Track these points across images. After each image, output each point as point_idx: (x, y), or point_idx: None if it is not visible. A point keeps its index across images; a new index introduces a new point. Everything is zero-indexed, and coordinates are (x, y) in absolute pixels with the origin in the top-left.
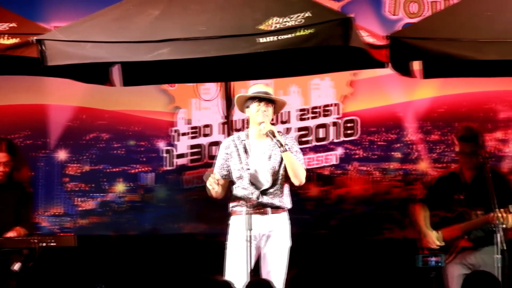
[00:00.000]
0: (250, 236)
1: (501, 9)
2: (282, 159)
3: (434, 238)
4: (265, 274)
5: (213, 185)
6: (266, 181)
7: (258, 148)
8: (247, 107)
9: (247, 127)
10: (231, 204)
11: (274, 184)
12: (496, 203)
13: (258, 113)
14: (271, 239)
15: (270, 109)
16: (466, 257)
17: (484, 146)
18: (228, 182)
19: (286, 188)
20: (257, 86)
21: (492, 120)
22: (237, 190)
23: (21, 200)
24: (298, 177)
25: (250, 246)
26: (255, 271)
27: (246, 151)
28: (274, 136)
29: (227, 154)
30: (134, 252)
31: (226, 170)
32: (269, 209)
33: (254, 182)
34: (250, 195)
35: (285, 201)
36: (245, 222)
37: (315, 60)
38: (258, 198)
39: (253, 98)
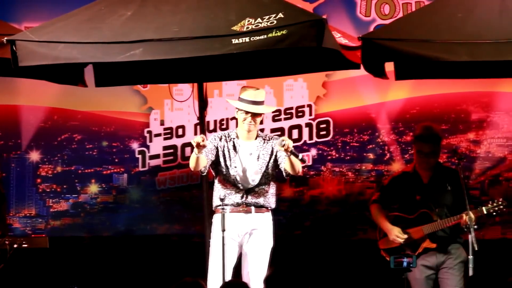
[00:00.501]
0: (223, 238)
1: (472, 11)
2: (270, 159)
3: (397, 233)
4: (245, 274)
5: (198, 140)
6: (252, 181)
7: (246, 148)
8: (236, 110)
9: (221, 128)
10: (214, 203)
11: (260, 183)
12: (467, 204)
13: (245, 122)
14: (253, 238)
15: (257, 119)
16: (428, 258)
17: (441, 146)
18: (208, 166)
19: (272, 187)
20: (247, 93)
21: (464, 121)
22: (222, 188)
23: None
24: (296, 172)
25: (224, 247)
26: (238, 269)
27: (235, 149)
28: (294, 154)
29: (217, 144)
30: (107, 253)
31: (213, 155)
32: (253, 208)
33: (240, 181)
34: (235, 193)
35: (270, 200)
36: (220, 222)
37: (289, 61)
38: (242, 197)
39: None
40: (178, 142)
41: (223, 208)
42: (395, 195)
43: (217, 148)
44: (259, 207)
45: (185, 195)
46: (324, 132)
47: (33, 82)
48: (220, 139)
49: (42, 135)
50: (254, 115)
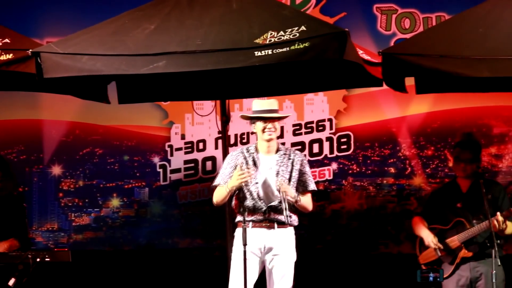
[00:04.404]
0: (245, 252)
1: (493, 26)
2: (290, 176)
3: (432, 238)
4: None
5: (244, 171)
6: (274, 196)
7: (266, 162)
8: (253, 123)
9: (241, 142)
10: (238, 217)
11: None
12: (492, 212)
13: (265, 132)
14: (276, 255)
15: (276, 124)
16: (463, 270)
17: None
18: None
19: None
20: (259, 103)
21: (486, 135)
22: (244, 203)
23: (13, 213)
24: (305, 211)
25: (246, 262)
26: (262, 286)
27: (255, 164)
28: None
29: (235, 163)
30: (129, 267)
31: None
32: (275, 224)
33: (262, 196)
34: (257, 209)
35: (292, 217)
36: (242, 236)
37: (311, 78)
38: (265, 212)
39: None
40: (199, 156)
41: (245, 223)
42: (437, 208)
43: (235, 167)
44: (282, 223)
45: (206, 209)
46: (345, 146)
47: (55, 97)
48: (238, 158)
49: (64, 149)
50: (273, 121)
